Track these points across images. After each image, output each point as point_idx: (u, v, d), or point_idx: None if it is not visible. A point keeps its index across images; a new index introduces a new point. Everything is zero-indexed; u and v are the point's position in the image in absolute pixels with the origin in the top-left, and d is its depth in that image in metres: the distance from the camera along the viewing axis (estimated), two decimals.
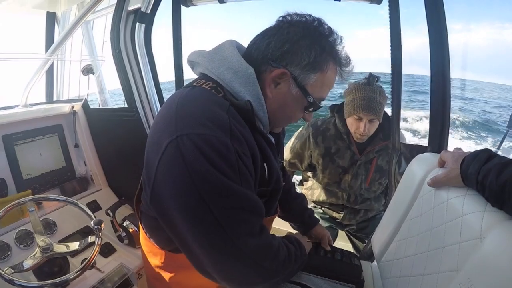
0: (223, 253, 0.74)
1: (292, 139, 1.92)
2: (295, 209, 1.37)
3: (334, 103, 1.84)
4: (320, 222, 1.90)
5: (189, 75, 1.00)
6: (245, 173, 0.73)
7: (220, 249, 0.73)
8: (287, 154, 1.94)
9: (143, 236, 1.04)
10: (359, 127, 1.60)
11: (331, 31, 0.82)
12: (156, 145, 0.73)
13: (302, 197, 1.42)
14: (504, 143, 2.03)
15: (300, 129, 1.90)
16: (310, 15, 0.82)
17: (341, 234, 2.08)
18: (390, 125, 1.49)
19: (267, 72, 0.82)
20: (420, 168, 1.11)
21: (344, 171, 1.77)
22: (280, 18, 0.83)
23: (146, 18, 1.80)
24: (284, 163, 1.92)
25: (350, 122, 1.65)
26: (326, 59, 0.81)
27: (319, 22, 0.81)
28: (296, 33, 0.79)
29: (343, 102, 1.71)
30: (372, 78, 1.57)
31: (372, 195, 1.85)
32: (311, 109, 0.89)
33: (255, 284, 0.84)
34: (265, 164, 0.85)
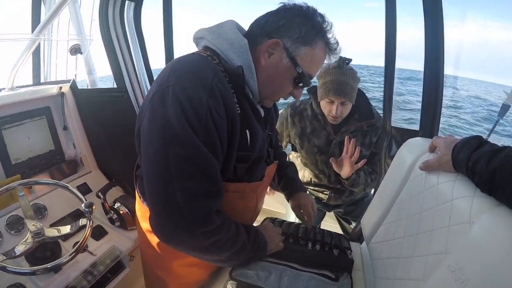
0: (162, 202, 0.78)
1: None
2: (286, 176, 1.45)
3: None
4: None
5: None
6: (211, 130, 0.78)
7: (160, 197, 0.78)
8: None
9: (137, 201, 1.11)
10: (331, 110, 1.63)
11: (322, 17, 0.93)
12: (149, 93, 0.84)
13: (292, 165, 1.51)
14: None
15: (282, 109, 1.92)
16: (306, 4, 0.92)
17: (329, 215, 2.12)
18: (383, 109, 1.50)
19: (263, 43, 0.91)
20: (411, 152, 1.13)
21: (320, 151, 1.80)
22: (281, 5, 0.94)
23: None
24: None
25: (323, 105, 1.69)
26: (316, 36, 0.91)
27: (313, 9, 0.92)
28: (292, 13, 0.90)
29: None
30: (342, 62, 1.57)
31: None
32: (300, 84, 0.96)
33: (181, 248, 0.88)
34: (247, 131, 0.91)
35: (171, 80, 0.79)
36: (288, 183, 1.43)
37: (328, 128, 1.76)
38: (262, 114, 1.03)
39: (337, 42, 0.95)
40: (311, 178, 1.92)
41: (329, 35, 0.94)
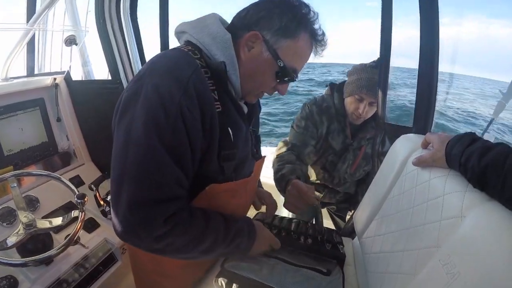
0: (113, 201, 0.77)
1: (294, 126, 1.72)
2: None
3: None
4: None
5: None
6: (179, 130, 0.76)
7: (113, 196, 0.77)
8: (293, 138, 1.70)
9: None
10: (358, 108, 1.57)
11: (308, 8, 0.87)
12: (125, 90, 0.83)
13: None
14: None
15: (300, 112, 1.74)
16: None
17: (322, 211, 2.12)
18: (377, 105, 1.50)
19: (243, 36, 0.87)
20: (404, 148, 1.14)
21: (334, 153, 1.75)
22: None
23: None
24: (279, 154, 1.64)
25: (350, 101, 1.61)
26: (298, 28, 0.86)
27: (298, 0, 0.87)
28: (273, 4, 0.86)
29: (343, 81, 1.68)
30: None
31: (353, 179, 1.86)
32: (283, 78, 0.91)
33: (138, 247, 0.82)
34: (229, 128, 0.87)
35: (147, 78, 0.77)
36: None
37: (347, 131, 1.70)
38: (246, 110, 1.00)
39: (323, 33, 0.90)
40: (311, 176, 1.91)
41: (315, 26, 0.88)
